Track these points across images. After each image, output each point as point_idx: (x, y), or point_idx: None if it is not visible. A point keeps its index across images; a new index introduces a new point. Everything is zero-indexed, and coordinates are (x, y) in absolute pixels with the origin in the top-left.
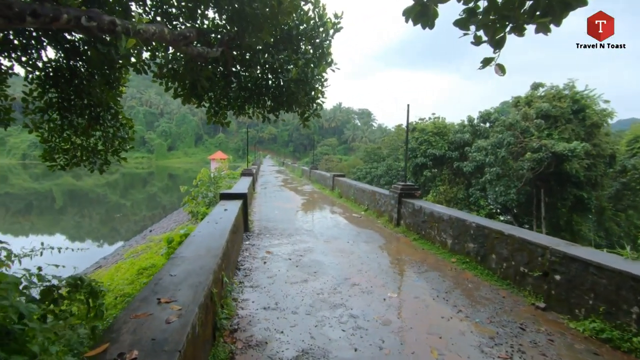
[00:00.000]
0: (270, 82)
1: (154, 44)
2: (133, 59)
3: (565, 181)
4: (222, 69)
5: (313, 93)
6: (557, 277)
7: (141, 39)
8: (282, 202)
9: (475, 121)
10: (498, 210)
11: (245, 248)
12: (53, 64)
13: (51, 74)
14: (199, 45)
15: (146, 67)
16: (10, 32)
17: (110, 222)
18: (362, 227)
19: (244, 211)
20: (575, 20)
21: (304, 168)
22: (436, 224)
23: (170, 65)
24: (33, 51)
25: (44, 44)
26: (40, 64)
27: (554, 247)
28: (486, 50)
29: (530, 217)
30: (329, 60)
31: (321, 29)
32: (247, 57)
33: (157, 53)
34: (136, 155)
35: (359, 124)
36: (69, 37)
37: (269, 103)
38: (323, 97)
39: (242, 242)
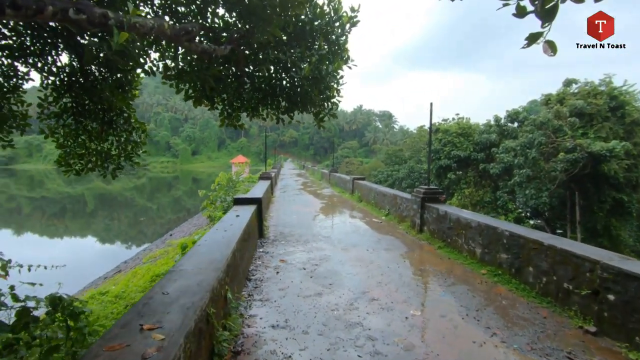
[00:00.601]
0: (284, 82)
1: (153, 39)
2: (141, 60)
3: (603, 183)
4: (234, 69)
5: (328, 92)
6: (611, 297)
7: (138, 33)
8: (301, 206)
9: (503, 121)
10: (528, 214)
11: (258, 256)
12: (67, 68)
13: (65, 79)
14: (205, 41)
15: (155, 69)
16: (27, 38)
17: (136, 225)
18: (383, 233)
19: (259, 217)
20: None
21: (323, 171)
22: (463, 231)
23: (173, 64)
24: (49, 57)
25: (60, 49)
26: (55, 69)
27: (606, 262)
28: (516, 49)
29: (564, 221)
30: (345, 56)
31: (337, 24)
32: (258, 55)
33: (166, 53)
34: (162, 159)
35: (380, 126)
36: (82, 41)
37: (283, 104)
38: (339, 95)
39: (255, 249)
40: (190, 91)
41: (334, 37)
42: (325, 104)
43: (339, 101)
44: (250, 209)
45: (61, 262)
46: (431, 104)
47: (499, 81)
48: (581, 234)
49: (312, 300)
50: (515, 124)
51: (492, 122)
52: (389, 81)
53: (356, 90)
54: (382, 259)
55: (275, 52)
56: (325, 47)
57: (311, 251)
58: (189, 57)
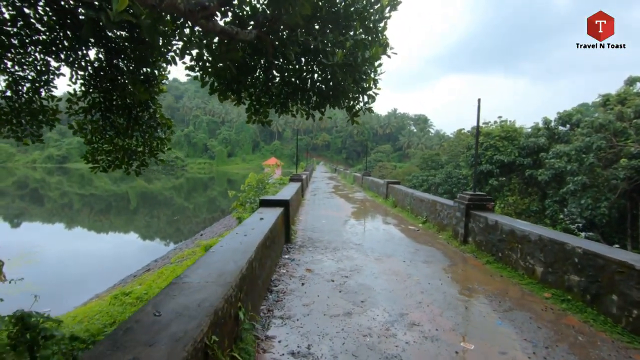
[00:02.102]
0: (315, 75)
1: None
2: (164, 50)
3: None
4: (262, 61)
5: (364, 82)
6: None
7: (142, 3)
8: (331, 210)
9: (553, 124)
10: (580, 227)
11: (283, 263)
12: (96, 63)
13: (94, 73)
14: (227, 21)
15: (178, 59)
16: (60, 34)
17: (173, 223)
18: (421, 242)
19: (285, 220)
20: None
21: (355, 175)
22: (519, 245)
23: (197, 52)
24: (79, 52)
25: (90, 43)
26: (83, 63)
27: None
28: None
29: (622, 235)
30: (384, 43)
31: (376, 6)
32: (285, 40)
33: (189, 42)
34: (199, 161)
35: (415, 130)
36: (112, 35)
37: (314, 99)
38: (376, 87)
39: (280, 256)
40: (216, 84)
41: (371, 22)
42: (361, 97)
43: (376, 94)
44: (277, 212)
45: (103, 255)
46: (479, 100)
47: (541, 84)
48: None
49: (341, 321)
50: (567, 127)
51: (541, 125)
52: (424, 85)
53: (390, 96)
54: (421, 273)
55: (305, 37)
56: (361, 32)
57: (341, 260)
58: (207, 40)
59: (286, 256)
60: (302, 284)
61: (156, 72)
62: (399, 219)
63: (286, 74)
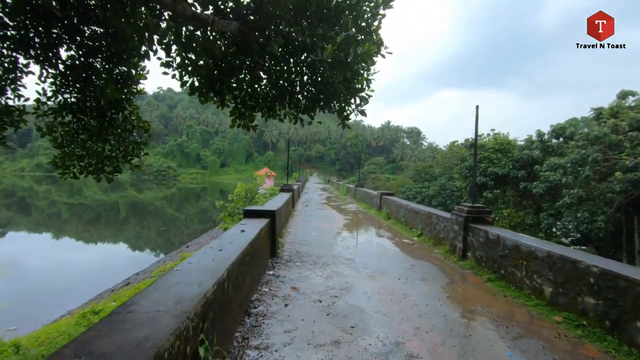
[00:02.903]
0: (305, 77)
1: None
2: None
3: None
4: (248, 61)
5: (356, 82)
6: None
7: None
8: (322, 222)
9: (546, 137)
10: (573, 240)
11: (267, 280)
12: (68, 61)
13: (66, 72)
14: (197, 6)
15: (153, 54)
16: (31, 30)
17: (162, 234)
18: (417, 257)
19: (271, 232)
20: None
21: (349, 186)
22: (524, 261)
23: (176, 49)
24: (51, 49)
25: (64, 40)
26: (55, 61)
27: None
28: (548, 68)
29: (617, 249)
30: (378, 41)
31: (372, 4)
32: (270, 34)
33: (165, 36)
34: (191, 171)
35: (408, 142)
36: (85, 31)
37: (303, 102)
38: (369, 89)
39: (264, 272)
40: (196, 84)
41: (364, 20)
42: (352, 98)
43: (369, 95)
44: (261, 223)
45: (88, 267)
46: (477, 107)
47: (530, 100)
48: None
49: (327, 352)
50: (560, 140)
51: (535, 138)
52: (417, 100)
53: (384, 110)
54: (418, 292)
55: (292, 28)
56: (353, 30)
57: (330, 277)
58: (178, 28)
59: (270, 272)
60: (286, 305)
61: (133, 72)
62: (393, 231)
63: (273, 75)
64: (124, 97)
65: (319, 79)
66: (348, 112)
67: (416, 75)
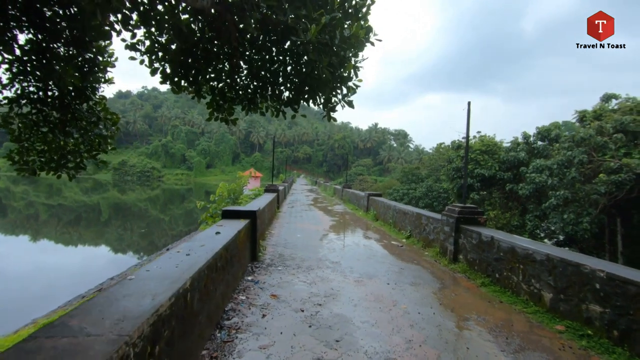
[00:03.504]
0: (288, 67)
1: None
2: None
3: None
4: (227, 49)
5: (342, 70)
6: None
7: None
8: (308, 223)
9: (532, 139)
10: (558, 242)
11: (245, 287)
12: (28, 46)
13: (24, 57)
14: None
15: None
16: None
17: (145, 236)
18: (406, 260)
19: (252, 234)
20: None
21: (336, 187)
22: (520, 265)
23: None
24: (7, 33)
25: (24, 25)
26: (11, 46)
27: None
28: (530, 72)
29: (600, 250)
30: (366, 26)
31: None
32: (244, 12)
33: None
34: (176, 172)
35: (395, 145)
36: (46, 12)
37: (286, 94)
38: (357, 78)
39: (242, 277)
40: (168, 68)
41: (351, 6)
42: (339, 88)
43: (357, 86)
44: (240, 225)
45: (69, 268)
46: (469, 103)
47: (513, 103)
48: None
49: None
50: (546, 142)
51: (521, 140)
52: (403, 103)
53: (370, 113)
54: (409, 298)
55: (270, 11)
56: (340, 13)
57: (314, 283)
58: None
59: (249, 278)
60: (263, 315)
61: (100, 58)
62: (381, 233)
63: (254, 65)
64: (88, 85)
65: (303, 68)
66: (334, 103)
67: (402, 79)
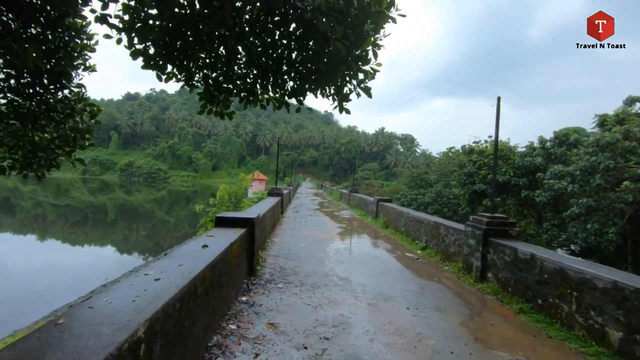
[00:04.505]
0: (293, 52)
1: None
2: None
3: None
4: (222, 30)
5: (358, 49)
6: None
7: None
8: (313, 231)
9: (549, 143)
10: (575, 252)
11: (237, 311)
12: None
13: None
14: None
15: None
16: None
17: (153, 236)
18: (424, 276)
19: (248, 245)
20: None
21: (342, 191)
22: (573, 291)
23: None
24: None
25: None
26: None
27: None
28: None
29: (621, 262)
30: None
31: None
32: None
33: None
34: (182, 173)
35: (402, 149)
36: None
37: (290, 83)
38: (376, 60)
39: (236, 298)
40: (152, 52)
41: None
42: (354, 71)
43: (376, 70)
44: (234, 235)
45: (71, 270)
46: (498, 98)
47: (520, 109)
48: None
49: None
50: (564, 147)
51: (537, 144)
52: (410, 108)
53: (376, 117)
54: (436, 330)
55: None
56: None
57: (320, 306)
58: None
59: (243, 298)
60: (257, 355)
61: (78, 42)
62: (393, 242)
63: (254, 50)
64: (61, 71)
65: (310, 52)
66: (348, 89)
67: (408, 84)
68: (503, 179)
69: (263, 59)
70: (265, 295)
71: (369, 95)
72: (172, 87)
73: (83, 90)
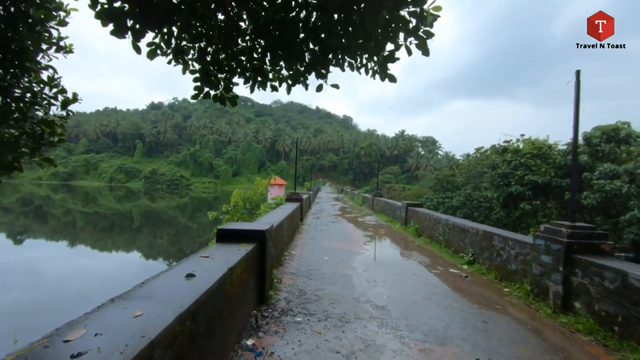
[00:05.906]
0: (311, 16)
1: None
2: None
3: None
4: None
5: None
6: None
7: None
8: (336, 241)
9: (596, 140)
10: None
11: None
12: None
13: None
14: None
15: None
16: None
17: (176, 243)
18: (484, 305)
19: (257, 267)
20: None
21: (365, 195)
22: None
23: None
24: None
25: None
26: None
27: None
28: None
29: None
30: None
31: None
32: None
33: None
34: (204, 180)
35: (423, 152)
36: None
37: (306, 55)
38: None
39: (237, 342)
40: (127, 8)
41: None
42: (399, 34)
43: (431, 34)
44: (237, 254)
45: (97, 277)
46: (577, 71)
47: (544, 109)
48: None
49: None
50: (612, 144)
51: (581, 141)
52: (430, 110)
53: (396, 119)
54: None
55: None
56: None
57: (354, 354)
58: None
59: (249, 342)
60: None
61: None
62: (429, 254)
63: (260, 15)
64: (19, 47)
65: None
66: (394, 46)
67: (427, 85)
68: (543, 180)
69: (272, 25)
70: (279, 335)
71: (426, 52)
72: (193, 94)
73: (53, 72)
